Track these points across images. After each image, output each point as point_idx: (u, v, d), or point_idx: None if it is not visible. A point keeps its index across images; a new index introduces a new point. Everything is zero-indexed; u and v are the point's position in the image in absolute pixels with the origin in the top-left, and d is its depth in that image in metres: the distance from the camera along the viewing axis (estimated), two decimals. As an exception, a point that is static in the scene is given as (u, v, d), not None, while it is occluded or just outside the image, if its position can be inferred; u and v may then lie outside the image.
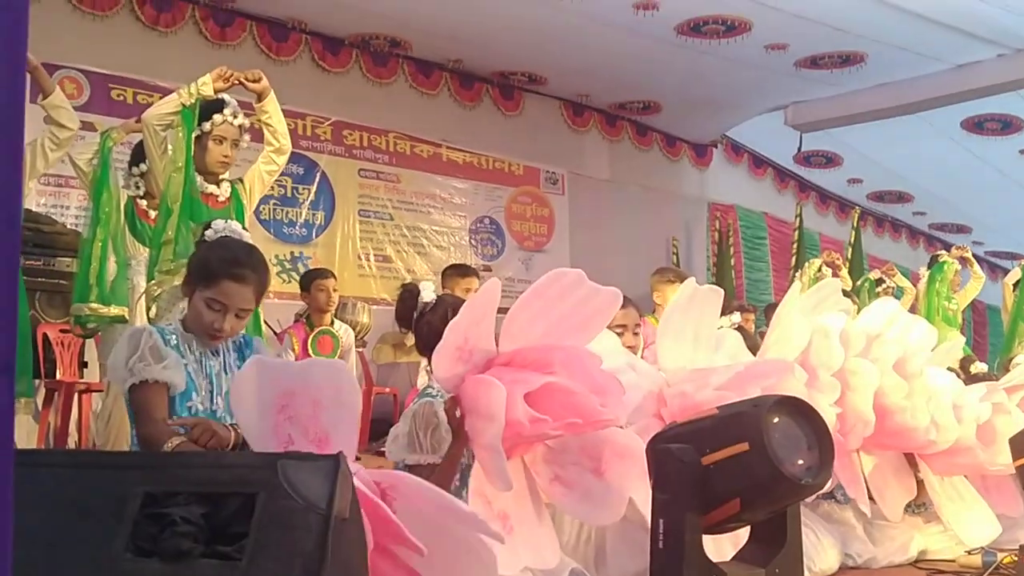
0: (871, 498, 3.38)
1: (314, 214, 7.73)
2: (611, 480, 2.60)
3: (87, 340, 4.62)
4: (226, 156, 3.70)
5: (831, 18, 7.39)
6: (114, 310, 3.87)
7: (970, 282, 8.35)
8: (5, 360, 0.90)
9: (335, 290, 5.82)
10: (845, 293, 3.71)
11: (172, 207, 3.53)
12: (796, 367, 3.07)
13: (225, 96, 3.70)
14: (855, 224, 10.85)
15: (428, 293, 2.73)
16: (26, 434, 4.40)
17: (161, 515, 1.32)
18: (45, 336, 4.80)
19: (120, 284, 3.93)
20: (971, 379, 4.20)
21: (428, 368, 3.10)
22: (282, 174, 4.41)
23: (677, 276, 5.65)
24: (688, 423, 2.44)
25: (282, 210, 7.53)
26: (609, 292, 2.57)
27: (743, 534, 2.51)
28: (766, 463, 2.21)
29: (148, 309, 3.51)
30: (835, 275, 7.18)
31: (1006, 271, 9.83)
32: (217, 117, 3.64)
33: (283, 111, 3.86)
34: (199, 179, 3.65)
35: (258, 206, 4.22)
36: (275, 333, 5.87)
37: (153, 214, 4.01)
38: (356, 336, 6.17)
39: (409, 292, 2.77)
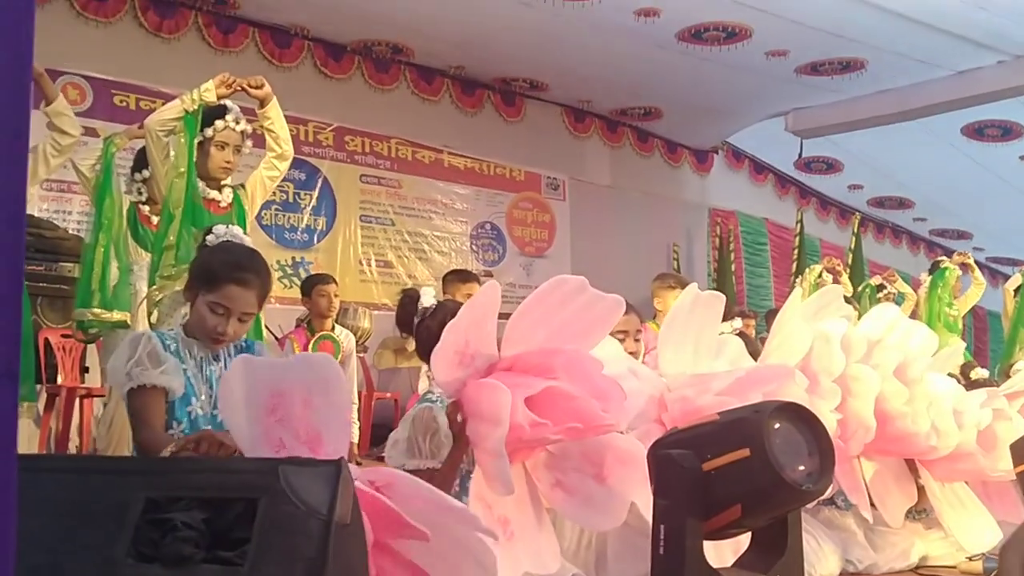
0: (872, 504, 3.37)
1: (315, 219, 7.75)
2: (612, 485, 2.60)
3: (89, 345, 4.62)
4: (228, 162, 3.71)
5: (831, 25, 7.39)
6: (116, 315, 3.86)
7: (971, 288, 8.35)
8: (9, 365, 0.90)
9: (336, 295, 5.82)
10: (846, 299, 3.71)
11: (174, 212, 3.54)
12: (797, 373, 3.07)
13: (227, 102, 3.70)
14: (856, 230, 10.83)
15: (428, 298, 2.73)
16: (27, 439, 4.39)
17: (163, 520, 1.32)
18: (47, 341, 4.81)
19: (122, 289, 3.92)
20: (972, 385, 4.18)
21: (429, 373, 3.10)
22: (284, 180, 4.42)
23: (678, 282, 5.64)
24: (689, 429, 2.43)
25: (284, 215, 7.55)
26: (612, 300, 2.56)
27: (744, 540, 2.50)
28: (767, 469, 2.20)
29: (150, 314, 3.51)
30: (836, 281, 7.18)
31: (1007, 277, 9.85)
32: (219, 123, 3.65)
33: (285, 117, 3.87)
34: (201, 185, 3.66)
35: (260, 211, 4.22)
36: (276, 338, 5.86)
37: (155, 219, 4.01)
38: (357, 341, 6.16)
39: (409, 297, 2.76)
